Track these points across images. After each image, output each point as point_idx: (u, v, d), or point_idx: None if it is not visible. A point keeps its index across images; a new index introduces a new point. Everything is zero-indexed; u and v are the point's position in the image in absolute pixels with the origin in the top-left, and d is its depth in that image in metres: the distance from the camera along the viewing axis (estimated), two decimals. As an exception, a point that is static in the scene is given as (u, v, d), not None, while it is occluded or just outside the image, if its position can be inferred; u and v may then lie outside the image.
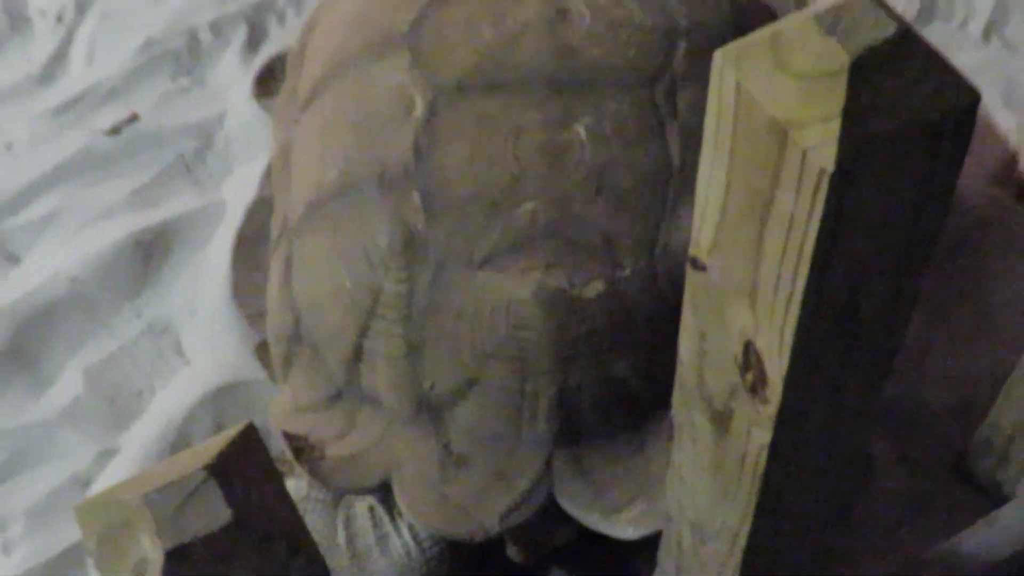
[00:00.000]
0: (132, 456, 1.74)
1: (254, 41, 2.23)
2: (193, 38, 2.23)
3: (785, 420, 0.93)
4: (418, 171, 1.47)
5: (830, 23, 0.74)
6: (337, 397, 1.54)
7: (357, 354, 1.50)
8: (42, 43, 2.26)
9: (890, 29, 0.74)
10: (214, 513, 0.72)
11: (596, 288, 1.39)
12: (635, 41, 1.53)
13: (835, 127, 0.70)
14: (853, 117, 0.70)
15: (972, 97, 0.75)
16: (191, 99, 2.17)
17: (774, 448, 0.97)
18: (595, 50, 1.52)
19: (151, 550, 0.71)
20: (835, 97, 0.71)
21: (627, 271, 1.41)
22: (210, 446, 0.76)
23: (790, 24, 0.76)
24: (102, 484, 1.70)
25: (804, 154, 0.72)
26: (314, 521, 1.57)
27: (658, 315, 1.39)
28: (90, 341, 1.87)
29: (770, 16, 1.76)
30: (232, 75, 2.18)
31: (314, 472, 1.47)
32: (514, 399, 1.41)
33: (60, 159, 2.08)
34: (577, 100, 1.48)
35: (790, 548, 1.22)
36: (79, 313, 1.89)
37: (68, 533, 1.68)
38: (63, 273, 1.92)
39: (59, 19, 2.28)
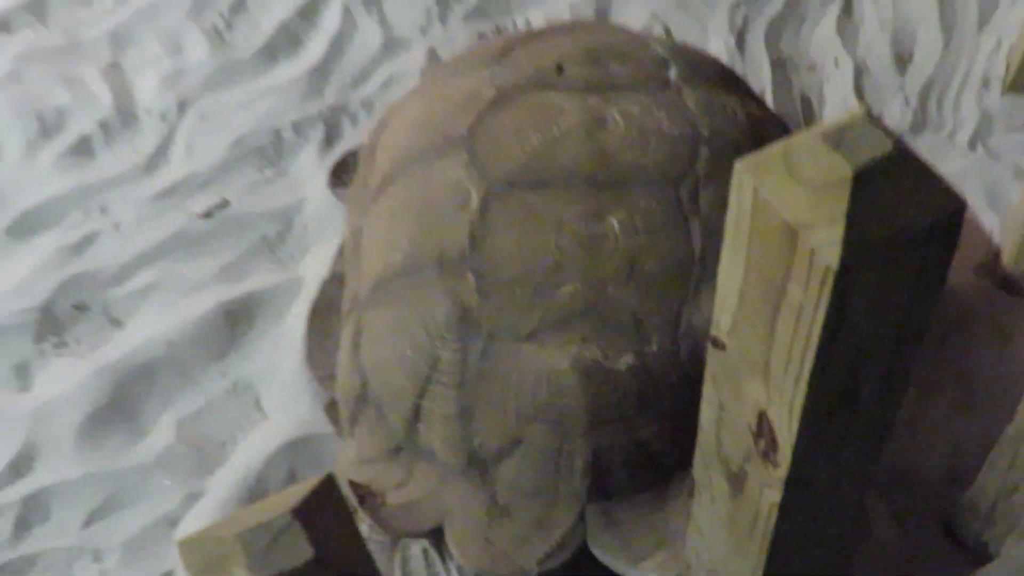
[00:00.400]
0: (215, 499, 1.73)
1: (330, 139, 2.24)
2: (277, 136, 2.25)
3: (793, 482, 0.94)
4: (472, 256, 1.48)
5: (835, 140, 0.76)
6: (397, 451, 1.54)
7: (416, 414, 1.50)
8: (148, 137, 2.26)
9: (887, 146, 0.75)
10: (298, 551, 0.73)
11: (627, 361, 1.40)
12: (663, 147, 1.55)
13: (839, 230, 0.72)
14: (855, 221, 0.72)
15: (958, 204, 0.77)
16: (274, 188, 2.17)
17: (783, 507, 0.97)
18: (628, 154, 1.54)
19: (244, 582, 0.73)
20: (839, 204, 0.73)
21: (654, 347, 1.41)
22: (294, 493, 0.78)
23: (800, 139, 0.78)
24: (189, 524, 1.68)
25: (812, 252, 0.73)
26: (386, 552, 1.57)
27: (680, 386, 1.40)
28: (182, 397, 1.86)
29: (781, 126, 1.79)
30: (310, 168, 2.18)
31: (375, 517, 1.48)
32: (553, 457, 1.42)
33: (160, 238, 2.09)
34: (612, 197, 1.49)
35: (796, 597, 1.21)
36: (173, 372, 1.88)
37: (157, 565, 1.67)
38: (160, 337, 1.92)
39: (163, 118, 2.30)
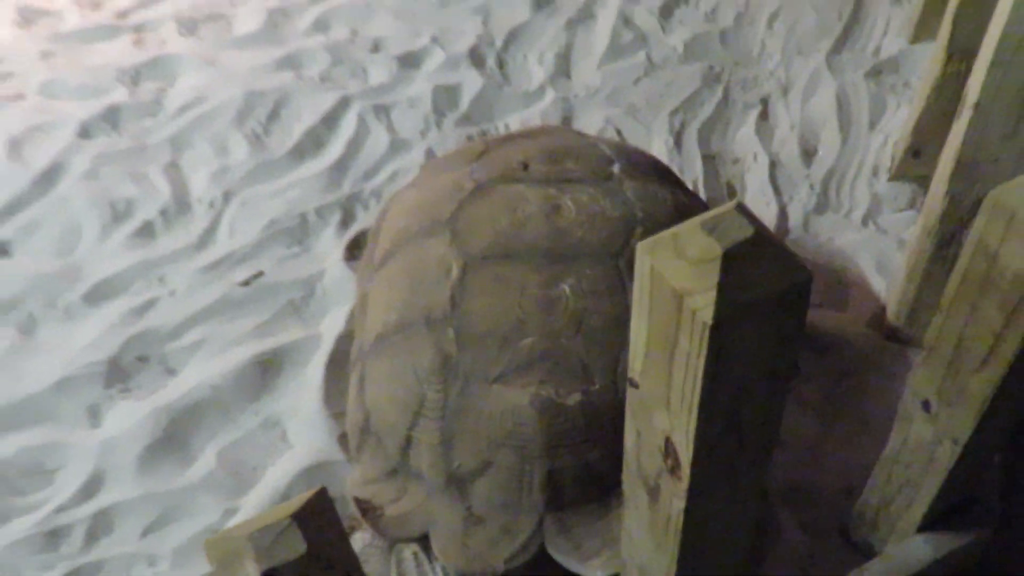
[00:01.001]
0: (248, 514, 1.74)
1: (346, 221, 2.28)
2: (303, 219, 2.28)
3: (694, 493, 0.98)
4: (453, 315, 1.52)
5: (711, 226, 0.82)
6: (393, 473, 1.56)
7: (408, 442, 1.53)
8: (199, 221, 2.30)
9: (750, 231, 0.81)
10: (295, 547, 0.77)
11: (575, 398, 1.43)
12: (606, 227, 1.59)
13: (713, 295, 0.78)
14: (725, 289, 0.78)
15: (806, 276, 0.83)
16: (300, 261, 2.19)
17: (688, 512, 1.01)
18: (578, 232, 1.58)
19: (252, 572, 0.77)
20: (713, 276, 0.79)
21: (597, 386, 1.44)
22: (294, 502, 0.82)
23: (685, 226, 0.85)
24: (226, 534, 1.71)
25: (693, 313, 0.79)
26: (374, 563, 1.56)
27: (617, 418, 1.43)
28: (222, 431, 1.87)
29: (703, 208, 1.82)
30: (329, 245, 2.21)
31: (375, 526, 1.50)
32: (516, 476, 1.44)
33: (207, 302, 2.11)
34: (564, 267, 1.52)
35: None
36: (216, 411, 1.90)
37: (202, 568, 1.67)
38: (206, 383, 1.93)
39: (211, 205, 2.33)
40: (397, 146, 2.47)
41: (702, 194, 2.27)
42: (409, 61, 2.70)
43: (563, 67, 2.64)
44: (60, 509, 1.79)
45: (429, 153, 2.44)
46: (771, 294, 0.81)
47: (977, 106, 1.49)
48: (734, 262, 0.79)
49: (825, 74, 2.53)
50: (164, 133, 2.55)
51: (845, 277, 2.08)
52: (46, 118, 2.61)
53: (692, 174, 2.31)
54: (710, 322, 0.77)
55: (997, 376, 1.11)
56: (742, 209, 0.84)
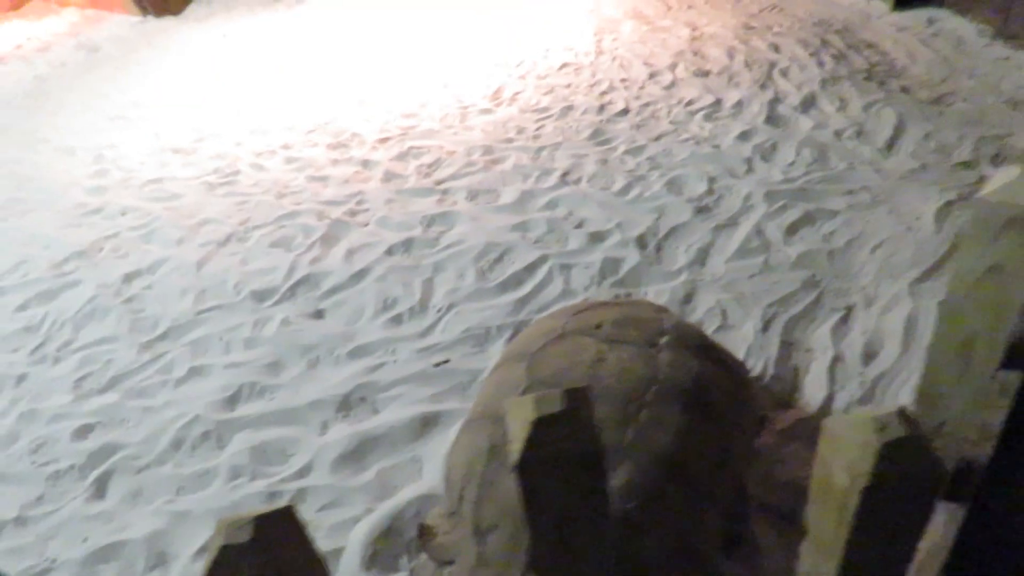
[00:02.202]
0: (379, 516, 1.88)
1: (513, 337, 2.42)
2: (488, 331, 2.43)
3: None
4: None
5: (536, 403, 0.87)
6: (452, 514, 1.62)
7: (461, 495, 1.58)
8: (428, 319, 2.53)
9: (559, 406, 0.85)
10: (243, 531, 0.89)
11: None
12: (630, 380, 1.57)
13: (519, 447, 0.83)
14: (530, 444, 0.83)
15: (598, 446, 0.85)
16: (475, 358, 2.33)
17: None
18: (608, 380, 1.57)
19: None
20: (524, 436, 0.83)
21: None
22: (263, 510, 0.94)
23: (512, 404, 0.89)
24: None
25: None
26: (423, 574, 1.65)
27: None
28: (387, 457, 2.04)
29: (731, 381, 1.72)
30: (497, 350, 2.34)
31: (424, 546, 1.58)
32: (513, 539, 1.45)
33: (412, 371, 2.30)
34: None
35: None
36: (388, 443, 2.06)
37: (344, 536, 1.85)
38: (392, 423, 2.11)
39: (438, 311, 2.57)
40: (566, 294, 2.56)
41: (770, 370, 2.13)
42: (597, 237, 2.80)
43: (701, 258, 2.61)
44: (282, 481, 2.06)
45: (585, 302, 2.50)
46: (572, 451, 0.85)
47: (931, 349, 1.34)
48: (543, 428, 0.84)
49: (905, 297, 2.28)
50: (432, 259, 2.85)
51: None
52: (372, 239, 3.03)
53: (767, 354, 2.18)
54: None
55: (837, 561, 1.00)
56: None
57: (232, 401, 2.37)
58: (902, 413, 0.91)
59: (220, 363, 2.54)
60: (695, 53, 4.22)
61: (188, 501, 2.06)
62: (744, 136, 3.31)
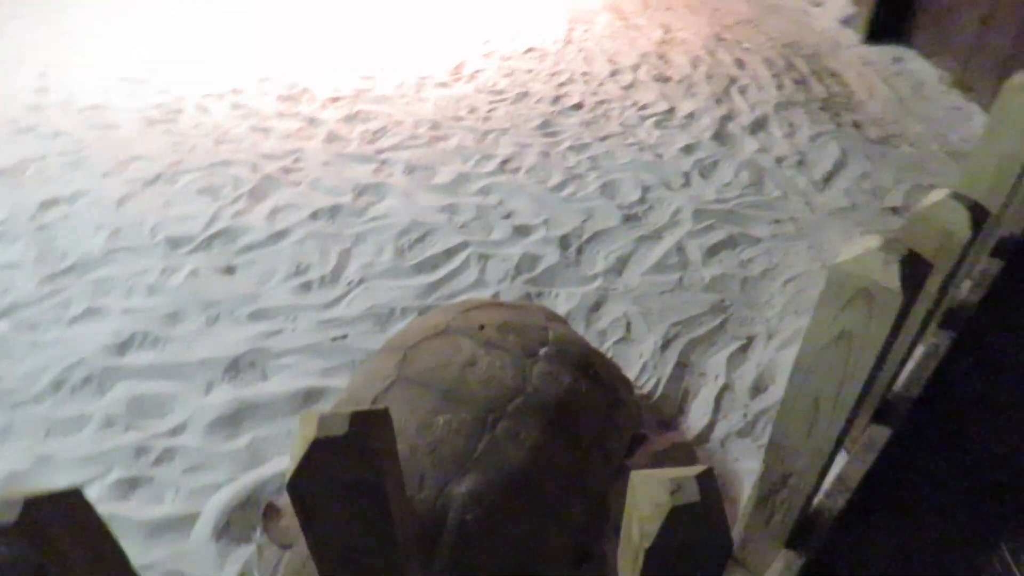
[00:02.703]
0: (244, 484, 1.81)
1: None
2: (392, 311, 2.38)
3: None
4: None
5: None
6: None
7: None
8: (337, 291, 2.46)
9: (342, 429, 0.80)
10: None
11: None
12: (496, 389, 1.52)
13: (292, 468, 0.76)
14: (303, 465, 0.78)
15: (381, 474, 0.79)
16: (373, 338, 2.28)
17: None
18: (475, 386, 1.53)
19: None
20: (298, 457, 0.77)
21: (423, 494, 1.38)
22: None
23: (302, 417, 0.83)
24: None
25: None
26: (266, 555, 1.60)
27: (428, 523, 1.36)
28: (264, 426, 1.98)
29: (599, 397, 1.69)
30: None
31: (265, 527, 1.53)
32: None
33: (308, 343, 2.24)
34: (449, 406, 1.47)
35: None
36: (268, 412, 2.01)
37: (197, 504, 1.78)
38: (276, 392, 2.05)
39: (348, 283, 2.50)
40: (479, 284, 2.50)
41: (660, 390, 2.11)
42: (522, 231, 2.75)
43: (619, 267, 2.58)
44: (154, 436, 1.98)
45: (496, 295, 2.46)
46: (348, 479, 0.80)
47: (783, 403, 1.31)
48: (323, 453, 0.78)
49: (803, 334, 2.27)
50: (355, 230, 2.76)
51: (726, 496, 1.84)
52: (300, 201, 2.93)
53: (660, 373, 2.16)
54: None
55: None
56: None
57: (123, 348, 2.28)
58: (705, 475, 0.88)
59: (119, 307, 2.44)
60: (660, 57, 4.16)
61: (54, 445, 1.97)
62: (688, 149, 3.27)
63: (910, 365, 2.03)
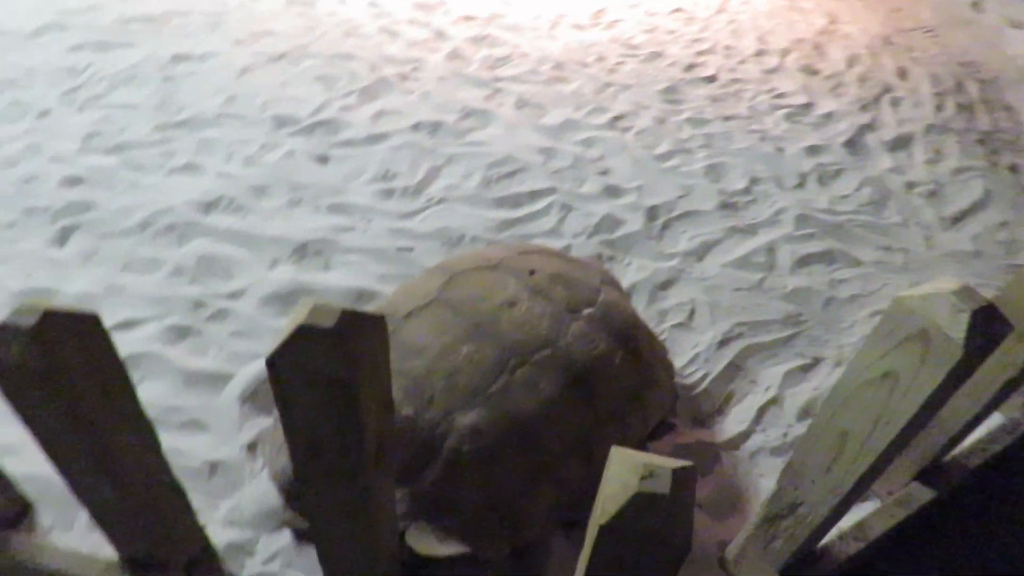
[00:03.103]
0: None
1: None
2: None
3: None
4: (402, 322, 1.56)
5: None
6: None
7: None
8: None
9: (330, 322, 0.81)
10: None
11: (408, 412, 1.41)
12: (527, 335, 1.50)
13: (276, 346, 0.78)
14: (285, 347, 0.79)
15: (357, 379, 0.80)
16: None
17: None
18: (505, 326, 1.51)
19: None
20: (283, 337, 0.78)
21: (429, 415, 1.40)
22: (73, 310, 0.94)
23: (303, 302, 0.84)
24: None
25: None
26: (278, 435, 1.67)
27: (433, 439, 1.39)
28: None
29: (626, 369, 1.64)
30: None
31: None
32: None
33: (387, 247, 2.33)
34: (475, 339, 1.47)
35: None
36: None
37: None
38: (342, 283, 2.15)
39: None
40: (553, 233, 2.45)
41: (705, 384, 2.02)
42: (613, 191, 2.66)
43: (701, 252, 2.46)
44: (214, 295, 2.09)
45: (567, 248, 2.41)
46: (331, 376, 0.80)
47: (810, 427, 1.24)
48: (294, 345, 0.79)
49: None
50: (450, 150, 2.76)
51: (737, 510, 1.77)
52: (407, 110, 2.96)
53: (710, 368, 2.06)
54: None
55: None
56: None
57: (208, 207, 2.40)
58: (683, 471, 0.84)
59: (216, 169, 2.56)
60: (816, 47, 3.87)
61: (127, 279, 2.12)
62: (814, 150, 3.06)
63: (980, 432, 1.87)
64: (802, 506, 1.35)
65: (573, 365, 1.51)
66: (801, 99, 3.40)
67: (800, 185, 2.85)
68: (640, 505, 0.82)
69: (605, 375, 1.56)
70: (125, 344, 1.90)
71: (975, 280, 2.53)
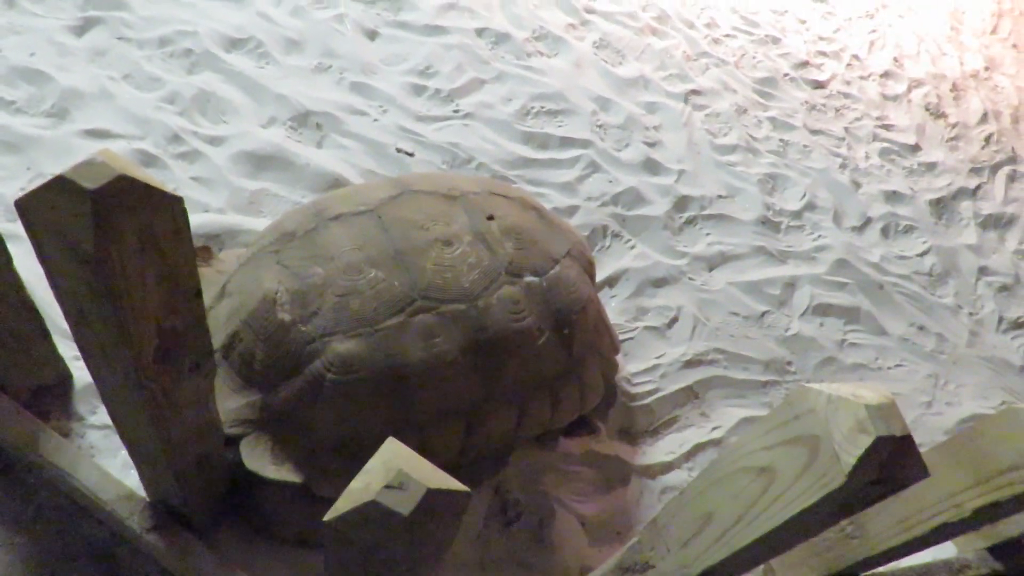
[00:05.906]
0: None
1: None
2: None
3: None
4: (312, 230, 1.44)
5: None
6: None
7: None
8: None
9: (109, 176, 0.69)
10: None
11: (289, 318, 1.31)
12: (447, 280, 1.36)
13: None
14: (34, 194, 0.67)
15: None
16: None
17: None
18: (427, 263, 1.36)
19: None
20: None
21: (309, 326, 1.30)
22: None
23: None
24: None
25: None
26: None
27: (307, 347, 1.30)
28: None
29: (557, 363, 1.49)
30: None
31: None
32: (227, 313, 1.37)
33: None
34: (389, 265, 1.33)
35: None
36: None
37: None
38: (331, 160, 2.04)
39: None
40: (566, 188, 2.27)
41: (649, 400, 1.86)
42: (651, 166, 2.45)
43: (714, 262, 2.25)
44: (195, 135, 2.00)
45: (573, 208, 2.23)
46: None
47: (683, 492, 1.08)
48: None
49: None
50: (503, 68, 2.57)
51: (627, 537, 1.64)
52: (483, 12, 2.75)
53: (663, 385, 1.89)
54: None
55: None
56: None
57: (233, 44, 2.30)
58: (448, 494, 0.71)
59: (258, 7, 2.45)
60: (955, 89, 3.45)
61: (122, 89, 2.06)
62: (893, 197, 2.74)
63: (924, 557, 1.67)
64: (652, 571, 1.20)
65: (484, 330, 1.37)
66: (910, 139, 3.04)
67: (859, 229, 2.56)
68: (369, 515, 0.70)
69: (518, 352, 1.41)
70: (85, 152, 1.84)
71: (1003, 396, 2.24)
